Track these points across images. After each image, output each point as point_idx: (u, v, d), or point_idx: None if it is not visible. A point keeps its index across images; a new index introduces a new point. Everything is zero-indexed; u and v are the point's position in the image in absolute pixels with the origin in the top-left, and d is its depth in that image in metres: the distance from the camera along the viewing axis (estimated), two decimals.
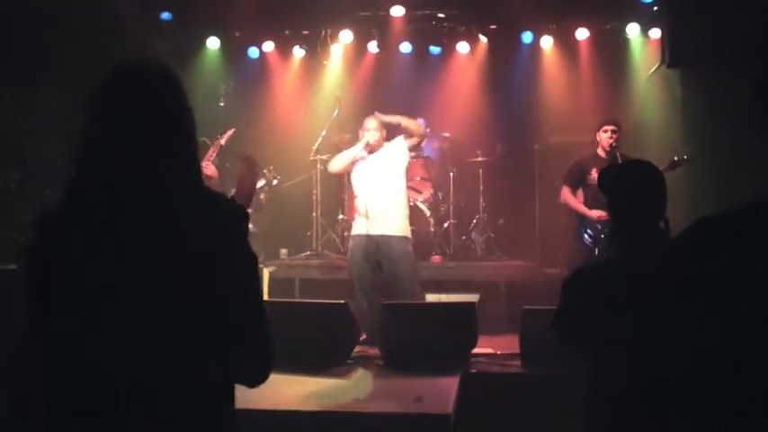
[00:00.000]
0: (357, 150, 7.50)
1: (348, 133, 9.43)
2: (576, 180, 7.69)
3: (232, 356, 2.14)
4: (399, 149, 7.56)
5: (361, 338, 6.87)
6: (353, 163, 7.56)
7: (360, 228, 7.42)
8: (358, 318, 6.66)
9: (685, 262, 2.13)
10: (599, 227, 7.35)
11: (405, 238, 7.42)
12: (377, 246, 7.28)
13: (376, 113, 7.65)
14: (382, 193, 7.40)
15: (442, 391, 5.34)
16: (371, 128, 7.51)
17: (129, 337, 2.02)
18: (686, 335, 2.10)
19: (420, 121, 9.70)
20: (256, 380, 2.24)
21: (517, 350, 6.35)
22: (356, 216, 7.55)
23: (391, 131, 7.74)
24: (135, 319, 2.02)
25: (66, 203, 2.10)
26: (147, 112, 2.11)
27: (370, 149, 7.51)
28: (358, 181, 7.56)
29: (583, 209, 7.50)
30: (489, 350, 6.73)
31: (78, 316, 2.03)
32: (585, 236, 7.49)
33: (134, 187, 2.07)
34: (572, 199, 7.65)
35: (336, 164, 7.72)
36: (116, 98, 2.12)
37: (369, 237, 7.28)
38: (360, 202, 7.46)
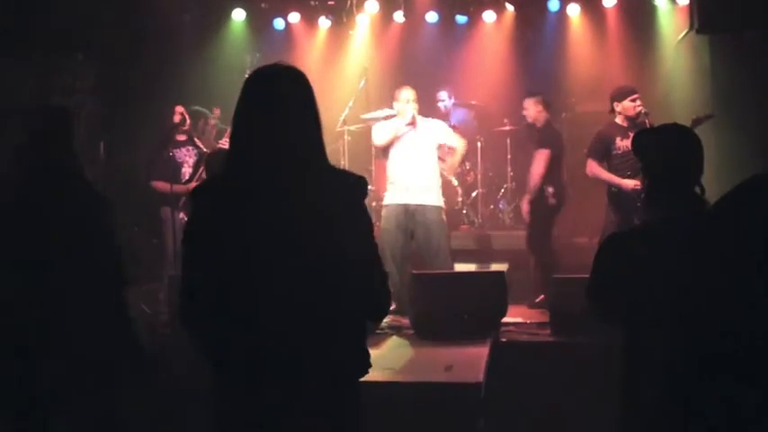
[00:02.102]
0: (402, 123, 7.41)
1: (375, 104, 9.39)
2: (602, 152, 7.40)
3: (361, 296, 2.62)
4: (439, 131, 7.58)
5: (391, 308, 6.89)
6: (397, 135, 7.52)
7: (395, 197, 7.44)
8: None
9: (729, 229, 2.11)
10: (634, 196, 7.01)
11: (441, 208, 7.51)
12: (412, 215, 7.33)
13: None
14: (421, 164, 7.44)
15: (473, 360, 5.39)
16: (412, 99, 7.44)
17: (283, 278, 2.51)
18: (727, 305, 2.08)
19: (443, 92, 9.81)
20: (381, 313, 2.97)
21: (546, 319, 6.39)
22: (390, 186, 7.53)
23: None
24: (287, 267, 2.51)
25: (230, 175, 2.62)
26: (296, 102, 2.65)
27: (411, 122, 7.43)
28: (397, 151, 7.51)
29: (617, 179, 7.16)
30: (519, 319, 6.77)
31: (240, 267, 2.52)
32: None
33: (286, 165, 2.57)
34: (602, 171, 7.30)
35: (383, 136, 7.53)
36: (270, 91, 2.65)
37: (404, 206, 7.33)
38: (396, 173, 7.44)
